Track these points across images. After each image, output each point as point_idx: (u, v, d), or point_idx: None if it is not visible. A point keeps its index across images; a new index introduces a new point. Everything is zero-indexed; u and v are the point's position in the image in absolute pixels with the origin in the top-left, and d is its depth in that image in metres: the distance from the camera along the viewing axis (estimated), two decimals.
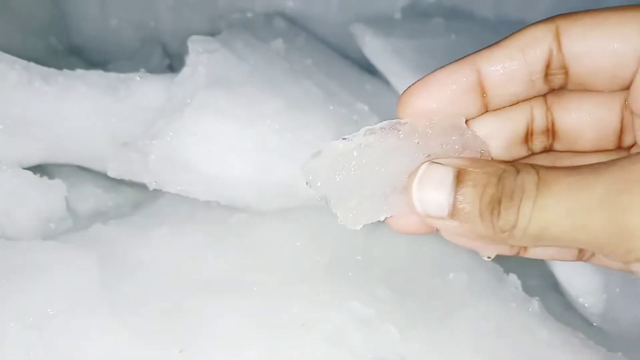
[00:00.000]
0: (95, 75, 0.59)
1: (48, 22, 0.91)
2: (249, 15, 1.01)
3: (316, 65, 0.60)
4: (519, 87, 0.26)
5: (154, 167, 0.47)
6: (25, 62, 0.56)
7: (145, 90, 0.59)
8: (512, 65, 0.25)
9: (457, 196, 0.24)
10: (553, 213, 0.22)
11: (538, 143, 0.28)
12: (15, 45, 0.81)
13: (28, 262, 0.46)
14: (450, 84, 0.26)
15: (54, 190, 0.56)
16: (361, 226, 0.27)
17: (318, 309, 0.45)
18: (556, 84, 0.26)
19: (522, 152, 0.28)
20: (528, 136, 0.28)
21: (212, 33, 0.99)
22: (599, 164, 0.23)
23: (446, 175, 0.25)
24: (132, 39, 1.02)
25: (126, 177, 0.49)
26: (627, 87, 0.25)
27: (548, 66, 0.25)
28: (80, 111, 0.58)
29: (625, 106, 0.26)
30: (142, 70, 0.64)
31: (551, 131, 0.28)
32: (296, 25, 0.80)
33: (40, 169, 0.61)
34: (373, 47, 0.68)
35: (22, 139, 0.56)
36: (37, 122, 0.56)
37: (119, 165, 0.48)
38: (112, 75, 0.60)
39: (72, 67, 0.84)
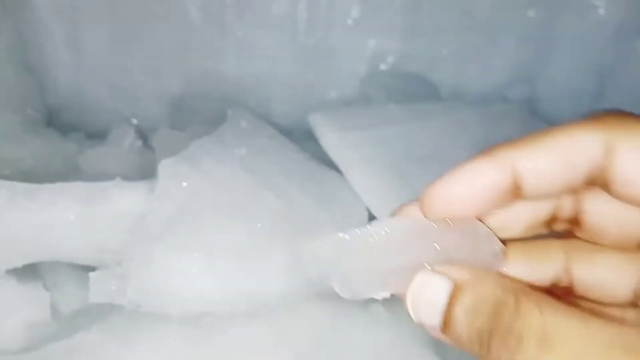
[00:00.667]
0: (75, 188, 0.65)
1: (25, 93, 0.96)
2: (219, 77, 1.07)
3: (277, 169, 0.66)
4: (558, 188, 0.24)
5: (130, 294, 0.53)
6: (8, 183, 0.62)
7: (122, 199, 0.65)
8: (553, 168, 0.23)
9: (450, 314, 0.23)
10: None
11: (560, 226, 0.27)
12: None
13: None
14: (481, 182, 0.24)
15: (39, 299, 0.62)
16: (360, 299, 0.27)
17: None
18: (594, 186, 0.24)
19: (541, 231, 0.27)
20: (552, 221, 0.27)
21: (184, 95, 1.05)
22: (612, 317, 0.22)
23: (440, 292, 0.23)
24: (105, 100, 1.07)
25: (105, 302, 0.56)
26: None
27: (590, 176, 0.23)
28: (62, 223, 0.63)
29: None
30: (118, 175, 0.69)
31: (575, 220, 0.26)
32: (262, 120, 0.86)
33: (23, 267, 0.66)
34: (329, 141, 0.74)
35: (10, 254, 0.62)
36: (24, 238, 0.61)
37: (98, 293, 0.54)
38: (91, 185, 0.66)
39: (49, 141, 0.90)
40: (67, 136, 0.93)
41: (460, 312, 0.23)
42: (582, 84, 1.04)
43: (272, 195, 0.63)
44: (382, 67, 1.06)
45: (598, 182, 0.23)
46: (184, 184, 0.56)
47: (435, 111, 0.87)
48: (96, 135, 0.95)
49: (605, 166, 0.23)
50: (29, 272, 0.67)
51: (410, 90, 1.03)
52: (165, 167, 0.58)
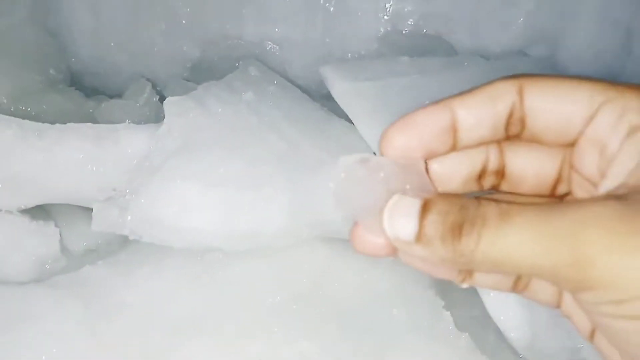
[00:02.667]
0: (85, 127, 0.67)
1: (48, 54, 0.98)
2: (238, 42, 1.08)
3: (284, 114, 0.66)
4: (485, 131, 0.29)
5: (132, 223, 0.54)
6: (20, 120, 0.64)
7: (130, 140, 0.67)
8: (482, 111, 0.29)
9: (423, 222, 0.26)
10: (515, 240, 0.24)
11: (488, 181, 0.32)
12: (17, 82, 0.89)
13: (23, 309, 0.54)
14: (428, 124, 0.29)
15: (49, 235, 0.64)
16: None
17: (272, 348, 0.53)
18: (513, 133, 0.29)
19: (474, 188, 0.32)
20: (482, 175, 0.31)
21: (203, 59, 1.06)
22: (558, 203, 0.26)
23: (413, 206, 0.27)
24: (126, 64, 1.09)
25: (107, 231, 0.57)
26: (571, 145, 0.29)
27: (510, 116, 0.28)
28: (72, 162, 0.65)
29: (565, 161, 0.30)
30: (129, 118, 0.71)
31: (500, 173, 0.31)
32: (272, 70, 0.86)
33: (35, 208, 0.68)
34: (339, 90, 0.74)
35: (20, 192, 0.63)
36: (33, 174, 0.63)
37: (100, 221, 0.56)
38: (101, 127, 0.68)
39: (70, 99, 0.92)
40: (89, 97, 0.95)
41: (433, 216, 0.26)
42: (607, 43, 1.00)
43: (276, 137, 0.63)
44: (400, 28, 1.04)
45: (515, 120, 0.29)
46: (190, 116, 0.56)
47: (449, 64, 0.86)
48: (117, 97, 0.96)
49: (518, 106, 0.28)
50: (41, 212, 0.68)
51: (428, 51, 1.02)
52: (171, 103, 0.59)
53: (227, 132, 0.60)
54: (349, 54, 1.07)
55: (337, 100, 0.77)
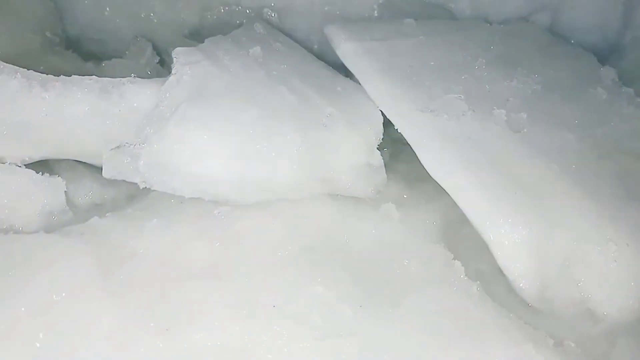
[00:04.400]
0: (90, 80, 0.66)
1: (44, 17, 0.96)
2: (236, 8, 1.06)
3: (291, 69, 0.66)
4: None
5: (143, 169, 0.54)
6: (25, 71, 0.62)
7: (136, 93, 0.66)
8: None
9: None
10: None
11: None
12: (14, 42, 0.87)
13: (33, 254, 0.54)
14: None
15: (54, 187, 0.63)
16: None
17: (287, 293, 0.53)
18: None
19: None
20: None
21: (202, 25, 1.05)
22: None
23: None
24: (125, 30, 1.07)
25: (119, 178, 0.56)
26: None
27: None
28: (76, 114, 0.64)
29: None
30: (133, 73, 0.70)
31: None
32: (276, 29, 0.85)
33: (41, 163, 0.67)
34: (346, 49, 0.73)
35: (24, 141, 0.62)
36: (38, 125, 0.62)
37: (112, 167, 0.55)
38: (106, 80, 0.67)
39: (68, 61, 0.91)
40: (86, 60, 0.93)
41: None
42: (607, 13, 1.01)
43: (285, 89, 0.63)
44: None
45: None
46: (199, 66, 0.55)
47: (453, 27, 0.86)
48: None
49: None
50: (45, 169, 0.67)
51: (428, 17, 1.02)
52: (179, 53, 0.58)
53: (237, 83, 0.60)
54: (351, 17, 1.06)
55: (342, 59, 0.76)
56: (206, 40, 0.66)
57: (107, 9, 1.06)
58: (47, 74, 0.68)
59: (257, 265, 0.57)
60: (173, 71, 0.59)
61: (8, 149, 0.61)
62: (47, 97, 0.62)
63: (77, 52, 1.03)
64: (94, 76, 0.65)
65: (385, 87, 0.70)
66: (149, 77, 0.85)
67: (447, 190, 0.62)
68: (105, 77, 0.82)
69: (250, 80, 0.60)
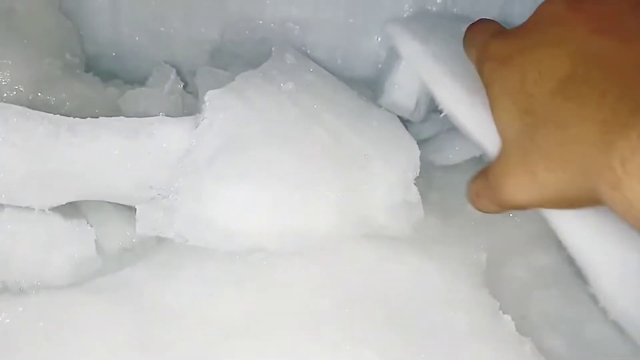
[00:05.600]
0: (118, 122, 0.63)
1: (63, 38, 0.94)
2: (258, 22, 1.04)
3: (325, 105, 0.63)
4: None
5: (178, 226, 0.52)
6: (52, 116, 0.60)
7: (166, 134, 0.63)
8: None
9: None
10: None
11: None
12: (34, 68, 0.85)
13: (66, 314, 0.52)
14: None
15: (84, 234, 0.61)
16: None
17: (332, 356, 0.51)
18: None
19: None
20: None
21: (223, 40, 1.02)
22: None
23: None
24: (143, 47, 1.04)
25: (153, 234, 0.54)
26: None
27: None
28: (105, 158, 0.62)
29: None
30: (158, 104, 0.67)
31: None
32: (306, 57, 0.83)
33: (65, 205, 0.65)
34: (413, 51, 0.70)
35: (53, 188, 0.60)
36: (67, 172, 0.60)
37: (145, 224, 0.53)
38: (134, 120, 0.64)
39: (89, 85, 0.89)
40: (107, 82, 0.91)
41: None
42: None
43: (322, 131, 0.60)
44: (428, 7, 1.00)
45: None
46: (232, 109, 0.53)
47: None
48: (136, 82, 0.93)
49: None
50: (73, 210, 0.65)
51: (458, 32, 0.98)
52: (211, 97, 0.55)
53: (272, 127, 0.57)
54: (376, 36, 1.03)
55: (408, 61, 0.73)
56: (237, 77, 0.63)
57: (125, 25, 1.03)
58: (64, 112, 0.65)
59: (298, 321, 0.55)
60: (205, 114, 0.57)
61: (37, 197, 0.59)
62: (75, 143, 0.59)
63: (97, 72, 1.00)
64: (122, 117, 0.63)
65: (458, 94, 0.65)
66: (175, 105, 0.83)
67: None
68: (129, 106, 0.81)
69: (285, 122, 0.57)
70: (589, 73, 0.37)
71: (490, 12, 1.01)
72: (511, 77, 0.40)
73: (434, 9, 1.02)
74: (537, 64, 0.41)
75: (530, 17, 0.45)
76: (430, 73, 0.67)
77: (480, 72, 0.46)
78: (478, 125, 0.57)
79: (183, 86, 0.90)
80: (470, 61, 0.56)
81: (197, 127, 0.63)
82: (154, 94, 0.80)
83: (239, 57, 1.04)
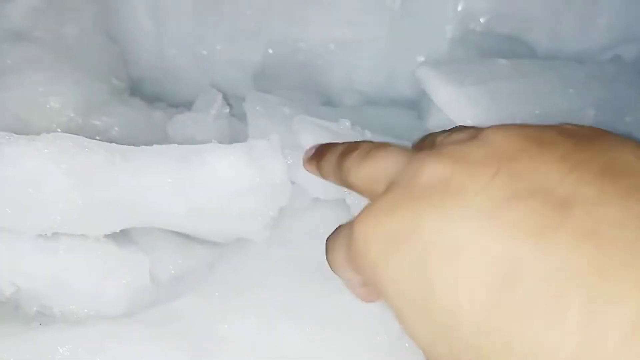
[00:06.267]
0: (171, 149, 0.63)
1: (109, 62, 0.95)
2: (301, 44, 1.04)
3: None
4: None
5: None
6: (107, 144, 0.60)
7: (218, 161, 0.63)
8: None
9: None
10: None
11: None
12: (84, 93, 0.86)
13: (123, 346, 0.51)
14: None
15: (138, 263, 0.61)
16: None
17: None
18: None
19: None
20: None
21: (265, 63, 1.03)
22: None
23: None
24: (187, 69, 1.06)
25: None
26: None
27: None
28: (159, 185, 0.62)
29: None
30: (214, 140, 0.67)
31: None
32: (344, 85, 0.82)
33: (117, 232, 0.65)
34: (446, 96, 0.69)
35: (108, 216, 0.60)
36: (121, 199, 0.60)
37: None
38: (186, 148, 0.64)
39: (136, 109, 0.89)
40: (152, 105, 0.92)
41: None
42: None
43: None
44: (472, 28, 0.99)
45: None
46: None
47: (546, 67, 0.80)
48: (179, 105, 0.93)
49: None
50: (124, 237, 0.65)
51: (504, 51, 0.97)
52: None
53: None
54: (420, 56, 1.03)
55: (441, 106, 0.72)
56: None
57: (169, 49, 1.05)
58: (114, 137, 0.66)
59: (353, 356, 0.54)
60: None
61: (92, 225, 0.59)
62: (130, 171, 0.59)
63: (142, 95, 1.01)
64: (175, 144, 0.63)
65: None
66: (222, 129, 0.83)
67: None
68: (177, 131, 0.81)
69: None
70: None
71: (536, 32, 1.00)
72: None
73: (478, 29, 1.01)
74: None
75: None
76: (461, 118, 0.67)
77: None
78: None
79: (229, 109, 0.90)
80: None
81: (248, 154, 0.63)
82: (201, 118, 0.80)
83: (282, 79, 1.05)
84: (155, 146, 0.64)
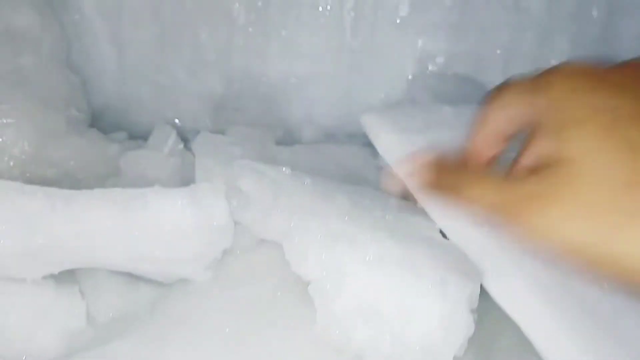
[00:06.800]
0: (113, 193, 0.64)
1: (68, 93, 0.95)
2: (262, 79, 1.05)
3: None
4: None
5: None
6: (47, 189, 0.61)
7: (160, 205, 0.64)
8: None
9: None
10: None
11: None
12: (37, 125, 0.86)
13: None
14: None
15: (75, 304, 0.62)
16: None
17: None
18: None
19: None
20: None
21: (227, 95, 1.04)
22: None
23: None
24: (148, 99, 1.06)
25: None
26: None
27: None
28: (100, 229, 0.62)
29: None
30: (155, 185, 0.67)
31: None
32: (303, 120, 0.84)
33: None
34: (387, 143, 0.69)
35: (48, 260, 0.61)
36: (62, 244, 0.61)
37: None
38: (129, 191, 0.65)
39: (92, 142, 0.90)
40: (110, 137, 0.92)
41: None
42: None
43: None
44: (431, 67, 1.02)
45: None
46: None
47: None
48: (139, 136, 0.94)
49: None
50: (66, 277, 0.66)
51: (459, 93, 0.99)
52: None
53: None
54: (377, 93, 1.05)
55: (383, 154, 0.72)
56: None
57: (131, 78, 1.05)
58: (69, 187, 0.66)
59: None
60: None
61: (30, 269, 0.59)
62: (70, 215, 0.60)
63: (103, 124, 1.02)
64: (117, 188, 0.64)
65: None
66: (174, 166, 0.84)
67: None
68: (129, 167, 0.82)
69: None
70: None
71: (492, 72, 1.02)
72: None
73: (435, 68, 1.03)
74: None
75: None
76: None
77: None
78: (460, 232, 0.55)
79: (184, 144, 0.91)
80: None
81: (191, 198, 0.64)
82: (153, 156, 0.81)
83: (242, 111, 1.06)
84: (97, 190, 0.64)
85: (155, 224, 0.63)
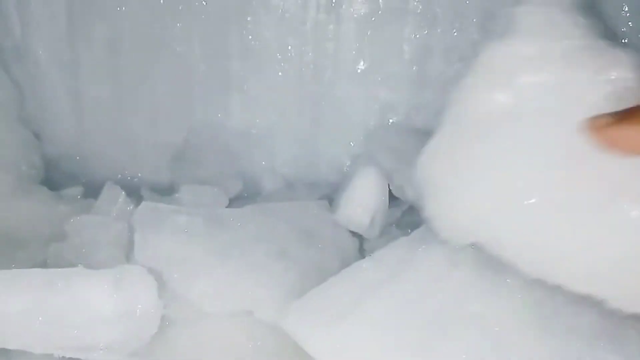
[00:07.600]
0: (36, 272, 0.62)
1: (18, 150, 0.93)
2: (224, 130, 1.03)
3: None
4: None
5: None
6: None
7: (84, 286, 0.62)
8: None
9: None
10: None
11: None
12: None
13: None
14: None
15: None
16: None
17: None
18: None
19: None
20: None
21: (186, 146, 1.02)
22: None
23: None
24: (105, 150, 1.04)
25: None
26: None
27: None
28: (19, 309, 0.60)
29: None
30: (79, 266, 0.65)
31: None
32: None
33: None
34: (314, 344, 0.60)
35: None
36: None
37: None
38: (52, 271, 0.63)
39: (39, 203, 0.87)
40: (61, 194, 0.90)
41: None
42: None
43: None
44: (390, 119, 1.00)
45: None
46: None
47: None
48: (96, 185, 0.90)
49: None
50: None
51: (418, 147, 0.97)
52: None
53: None
54: (338, 143, 1.03)
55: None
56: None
57: (88, 129, 1.04)
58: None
59: None
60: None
61: None
62: None
63: (57, 176, 1.00)
64: (40, 269, 0.62)
65: None
66: (121, 232, 0.81)
67: None
68: (73, 231, 0.79)
69: None
70: None
71: None
72: None
73: (395, 120, 1.01)
74: None
75: None
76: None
77: None
78: None
79: (135, 204, 0.88)
80: None
81: (116, 281, 0.62)
82: (99, 220, 0.79)
83: (202, 162, 1.04)
84: (17, 270, 0.62)
85: (74, 309, 0.61)
